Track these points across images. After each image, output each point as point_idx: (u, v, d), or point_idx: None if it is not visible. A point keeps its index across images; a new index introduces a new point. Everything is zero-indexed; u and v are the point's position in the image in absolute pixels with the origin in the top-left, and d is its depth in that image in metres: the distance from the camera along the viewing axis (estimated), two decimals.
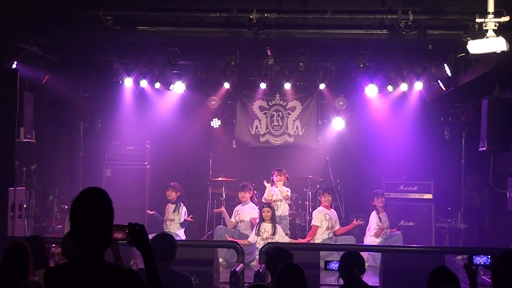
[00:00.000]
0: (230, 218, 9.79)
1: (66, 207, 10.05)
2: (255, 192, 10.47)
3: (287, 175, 9.91)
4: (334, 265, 4.67)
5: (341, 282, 4.66)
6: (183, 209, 9.66)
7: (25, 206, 8.62)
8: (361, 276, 4.67)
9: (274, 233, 8.92)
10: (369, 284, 5.03)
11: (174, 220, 9.65)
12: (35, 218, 9.61)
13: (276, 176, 9.79)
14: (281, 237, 9.00)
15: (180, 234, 9.50)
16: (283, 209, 9.74)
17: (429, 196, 10.57)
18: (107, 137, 11.40)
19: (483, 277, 6.83)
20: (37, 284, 4.06)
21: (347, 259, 4.67)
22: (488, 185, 9.48)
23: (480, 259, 3.98)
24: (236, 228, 9.60)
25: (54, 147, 11.21)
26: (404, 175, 10.78)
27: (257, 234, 8.99)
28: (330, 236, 9.38)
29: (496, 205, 9.68)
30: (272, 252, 5.06)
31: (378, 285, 7.29)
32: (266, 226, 8.98)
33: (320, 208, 9.51)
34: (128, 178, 10.90)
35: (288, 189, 9.90)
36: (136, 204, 10.76)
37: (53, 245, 5.41)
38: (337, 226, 9.55)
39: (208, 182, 10.63)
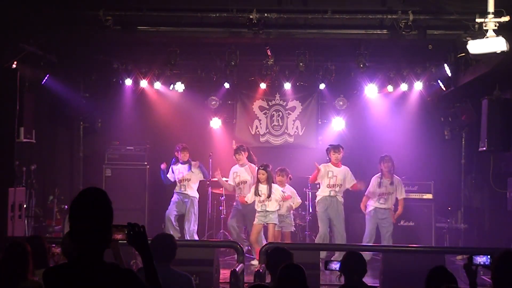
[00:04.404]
0: (228, 181, 9.76)
1: (66, 207, 10.05)
2: None
3: (290, 175, 9.72)
4: (335, 265, 4.67)
5: (342, 282, 4.66)
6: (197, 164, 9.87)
7: (25, 206, 8.61)
8: (363, 277, 4.67)
9: (269, 196, 8.99)
10: (369, 284, 5.03)
11: (190, 179, 9.82)
12: (35, 218, 9.62)
13: (278, 176, 9.60)
14: (275, 198, 9.03)
15: (196, 194, 9.82)
16: (285, 207, 9.64)
17: (429, 196, 10.57)
18: (107, 137, 11.41)
19: (483, 277, 6.83)
20: (37, 284, 4.06)
21: (348, 260, 4.66)
22: (488, 185, 9.48)
23: (480, 259, 3.98)
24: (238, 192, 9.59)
25: (54, 147, 11.21)
26: (404, 175, 10.77)
27: (256, 194, 9.05)
28: (332, 194, 9.38)
29: (496, 205, 9.68)
30: (272, 252, 5.05)
31: (378, 285, 7.28)
32: (263, 188, 9.04)
33: (328, 164, 9.53)
34: (128, 178, 10.90)
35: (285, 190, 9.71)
36: (136, 204, 10.77)
37: (53, 245, 5.41)
38: (346, 186, 9.46)
39: (208, 182, 10.63)
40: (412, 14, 7.47)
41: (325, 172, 9.43)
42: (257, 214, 9.08)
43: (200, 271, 6.78)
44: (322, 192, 9.48)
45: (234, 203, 9.83)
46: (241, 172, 9.67)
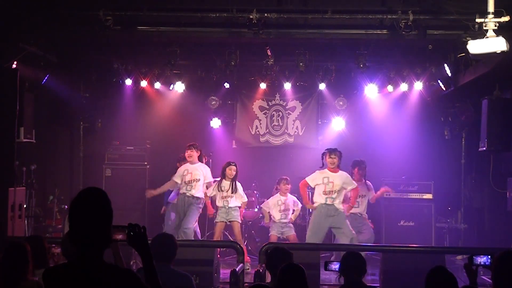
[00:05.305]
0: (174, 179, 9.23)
1: (66, 207, 10.05)
2: (255, 192, 10.45)
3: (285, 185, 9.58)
4: (334, 266, 4.67)
5: (341, 282, 4.66)
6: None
7: (25, 206, 8.62)
8: (363, 277, 4.67)
9: (233, 191, 9.10)
10: (369, 284, 5.03)
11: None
12: (35, 218, 9.63)
13: (283, 185, 9.44)
14: (239, 194, 9.15)
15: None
16: (288, 217, 9.46)
17: (429, 196, 10.57)
18: (107, 137, 11.41)
19: (483, 277, 6.83)
20: (37, 284, 4.06)
21: (348, 260, 4.66)
22: (488, 185, 9.48)
23: (480, 259, 3.98)
24: (184, 189, 9.05)
25: (54, 147, 11.22)
26: (404, 175, 10.78)
27: (219, 190, 9.11)
28: (328, 202, 8.51)
29: (496, 205, 9.68)
30: (272, 252, 5.05)
31: (378, 285, 7.28)
32: (226, 184, 9.13)
33: (324, 170, 8.73)
34: (128, 178, 10.90)
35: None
36: (136, 204, 10.77)
37: (53, 245, 5.41)
38: (341, 194, 8.62)
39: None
40: (412, 14, 7.47)
41: (320, 178, 8.63)
42: (218, 211, 9.14)
43: (200, 271, 6.78)
44: (318, 199, 8.63)
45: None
46: (193, 170, 9.13)
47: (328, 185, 8.59)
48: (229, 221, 9.12)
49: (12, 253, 4.17)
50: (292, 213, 9.50)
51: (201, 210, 9.16)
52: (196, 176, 9.06)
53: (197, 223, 9.49)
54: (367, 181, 9.47)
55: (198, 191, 9.03)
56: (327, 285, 7.59)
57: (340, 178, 8.65)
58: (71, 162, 11.66)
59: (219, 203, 9.14)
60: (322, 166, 8.80)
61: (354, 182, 8.85)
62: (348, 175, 8.88)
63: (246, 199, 9.41)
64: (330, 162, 8.65)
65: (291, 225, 9.50)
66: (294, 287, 4.02)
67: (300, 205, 9.60)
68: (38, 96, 9.28)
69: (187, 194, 9.03)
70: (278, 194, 9.54)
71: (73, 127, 11.59)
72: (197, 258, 6.87)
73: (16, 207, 7.99)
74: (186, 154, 9.17)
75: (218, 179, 9.39)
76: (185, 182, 9.07)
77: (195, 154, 9.16)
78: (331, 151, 8.73)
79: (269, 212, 9.51)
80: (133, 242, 2.79)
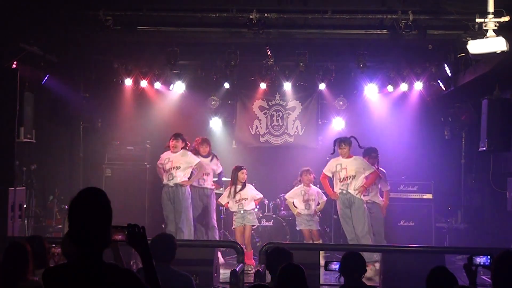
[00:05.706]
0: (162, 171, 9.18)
1: (66, 207, 10.05)
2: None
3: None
4: (334, 266, 4.67)
5: (341, 282, 4.66)
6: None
7: (25, 206, 8.62)
8: (362, 276, 4.67)
9: (241, 190, 9.07)
10: (369, 284, 5.03)
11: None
12: (35, 218, 9.62)
13: (305, 176, 9.42)
14: (251, 196, 9.10)
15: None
16: (312, 208, 9.39)
17: (429, 196, 10.56)
18: (107, 137, 11.41)
19: (483, 277, 6.83)
20: (37, 284, 4.06)
21: (347, 260, 4.66)
22: (488, 185, 9.48)
23: (480, 259, 3.98)
24: (166, 179, 8.98)
25: (54, 147, 11.20)
26: (404, 175, 10.77)
27: (232, 197, 9.08)
28: (343, 188, 8.50)
29: (496, 205, 9.68)
30: (272, 252, 5.05)
31: (378, 285, 7.28)
32: (237, 188, 9.09)
33: (338, 157, 8.66)
34: (128, 178, 10.89)
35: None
36: (136, 204, 10.75)
37: (53, 245, 5.41)
38: (357, 180, 8.49)
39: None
40: (412, 14, 7.48)
41: (334, 166, 8.64)
42: (234, 217, 9.12)
43: (200, 271, 6.78)
44: (336, 188, 8.63)
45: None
46: (174, 158, 9.02)
47: (342, 171, 8.56)
48: (244, 225, 9.06)
49: (12, 253, 4.17)
50: (318, 206, 9.46)
51: (189, 199, 9.00)
52: (176, 164, 8.97)
53: (214, 217, 9.54)
54: (379, 167, 9.21)
55: (179, 178, 8.94)
56: (327, 285, 7.58)
57: (353, 163, 8.56)
58: (71, 162, 11.64)
59: (233, 208, 9.10)
60: (333, 153, 8.75)
61: (371, 166, 8.69)
62: (364, 159, 8.77)
63: (260, 195, 9.37)
64: (340, 153, 8.63)
65: (317, 218, 9.44)
66: (294, 287, 4.02)
67: (325, 197, 9.51)
68: (38, 96, 9.28)
69: (170, 184, 8.93)
70: (301, 185, 9.49)
71: (73, 127, 11.57)
72: (197, 258, 6.87)
73: (16, 207, 7.99)
74: (170, 143, 9.07)
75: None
76: (165, 170, 9.01)
77: (180, 145, 9.08)
78: (340, 141, 8.65)
79: (293, 202, 9.45)
80: (133, 242, 2.79)
